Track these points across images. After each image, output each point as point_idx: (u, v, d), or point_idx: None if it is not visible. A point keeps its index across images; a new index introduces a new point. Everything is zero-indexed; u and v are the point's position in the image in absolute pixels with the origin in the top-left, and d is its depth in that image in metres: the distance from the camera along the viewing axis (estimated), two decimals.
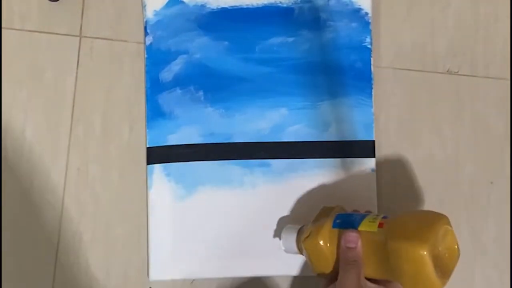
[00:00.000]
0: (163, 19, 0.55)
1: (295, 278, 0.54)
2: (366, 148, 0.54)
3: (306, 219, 0.50)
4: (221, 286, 0.54)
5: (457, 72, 0.57)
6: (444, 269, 0.43)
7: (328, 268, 0.47)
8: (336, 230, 0.46)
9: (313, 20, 0.55)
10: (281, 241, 0.50)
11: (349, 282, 0.44)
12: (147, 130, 0.54)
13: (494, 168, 0.57)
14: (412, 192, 0.56)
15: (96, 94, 0.55)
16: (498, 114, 0.57)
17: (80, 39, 0.55)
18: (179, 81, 0.55)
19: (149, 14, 0.55)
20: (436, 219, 0.44)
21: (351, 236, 0.45)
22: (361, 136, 0.54)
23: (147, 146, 0.54)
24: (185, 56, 0.55)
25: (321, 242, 0.46)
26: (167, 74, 0.55)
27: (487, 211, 0.56)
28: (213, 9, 0.55)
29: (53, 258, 0.54)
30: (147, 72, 0.55)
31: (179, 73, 0.55)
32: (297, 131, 0.54)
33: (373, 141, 0.55)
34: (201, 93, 0.55)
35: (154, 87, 0.55)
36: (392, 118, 0.56)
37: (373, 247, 0.45)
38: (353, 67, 0.55)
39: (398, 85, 0.57)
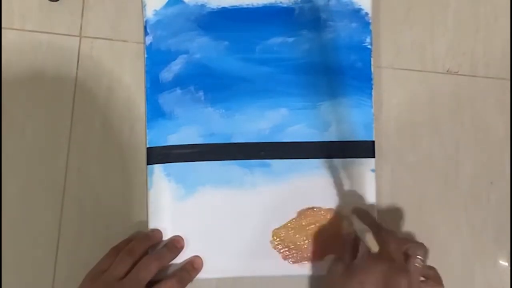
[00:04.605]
0: (163, 19, 0.55)
1: (295, 278, 0.54)
2: (366, 148, 0.54)
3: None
4: (221, 286, 0.54)
5: (457, 72, 0.57)
6: None
7: None
8: None
9: (313, 20, 0.55)
10: None
11: None
12: (147, 130, 0.54)
13: (494, 168, 0.57)
14: (412, 192, 0.56)
15: (96, 94, 0.55)
16: (498, 114, 0.57)
17: (80, 39, 0.55)
18: (179, 81, 0.54)
19: (149, 14, 0.55)
20: None
21: None
22: (361, 136, 0.54)
23: (147, 146, 0.54)
24: (185, 56, 0.55)
25: None
26: (167, 74, 0.55)
27: (487, 211, 0.56)
28: (213, 9, 0.55)
29: (53, 258, 0.54)
30: (147, 72, 0.55)
31: (179, 73, 0.55)
32: (297, 131, 0.54)
33: (373, 141, 0.55)
34: (201, 93, 0.55)
35: (154, 87, 0.54)
36: (392, 118, 0.56)
37: None
38: (353, 67, 0.55)
39: (398, 85, 0.57)
